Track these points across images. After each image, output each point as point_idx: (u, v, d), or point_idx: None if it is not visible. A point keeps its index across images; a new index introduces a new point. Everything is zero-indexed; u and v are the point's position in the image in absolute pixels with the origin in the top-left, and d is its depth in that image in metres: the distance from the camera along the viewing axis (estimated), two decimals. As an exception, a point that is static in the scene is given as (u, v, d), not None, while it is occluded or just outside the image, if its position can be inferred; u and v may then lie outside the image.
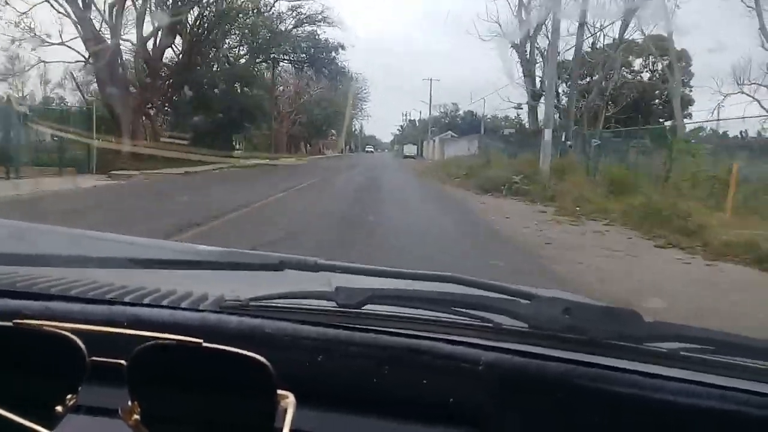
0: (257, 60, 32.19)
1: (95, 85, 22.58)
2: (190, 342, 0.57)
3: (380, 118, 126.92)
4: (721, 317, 3.93)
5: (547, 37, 26.13)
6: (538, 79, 27.71)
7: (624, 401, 0.69)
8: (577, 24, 22.35)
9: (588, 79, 26.70)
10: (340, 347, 0.74)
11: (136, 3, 21.67)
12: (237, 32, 29.49)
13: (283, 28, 31.45)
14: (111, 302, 0.80)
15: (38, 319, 0.60)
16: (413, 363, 0.73)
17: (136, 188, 13.31)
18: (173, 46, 25.01)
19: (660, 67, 30.78)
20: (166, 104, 25.95)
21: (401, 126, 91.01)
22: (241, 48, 31.27)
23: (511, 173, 16.64)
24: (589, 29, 23.02)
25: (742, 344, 0.77)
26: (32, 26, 21.58)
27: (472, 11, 64.90)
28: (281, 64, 36.24)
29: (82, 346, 0.57)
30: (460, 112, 67.52)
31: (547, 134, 16.04)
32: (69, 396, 0.57)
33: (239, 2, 26.76)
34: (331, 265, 0.90)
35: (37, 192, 10.88)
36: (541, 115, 30.07)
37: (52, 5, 20.21)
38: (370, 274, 0.92)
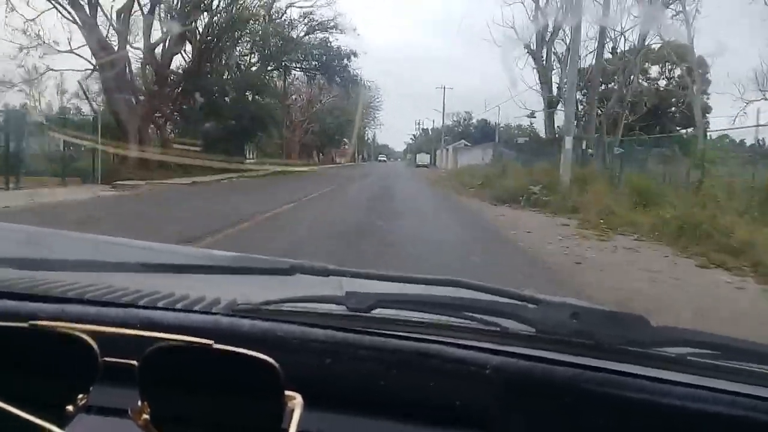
0: (269, 68, 31.81)
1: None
2: (201, 343, 0.57)
3: (393, 127, 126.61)
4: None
5: (565, 43, 25.60)
6: (554, 86, 27.11)
7: (631, 406, 0.69)
8: (594, 28, 21.72)
9: (603, 86, 25.93)
10: (349, 350, 0.75)
11: (144, 9, 21.29)
12: (248, 39, 29.15)
13: (294, 36, 31.11)
14: (125, 305, 0.81)
15: (54, 321, 0.62)
16: (421, 366, 0.74)
17: (138, 200, 12.79)
18: (183, 53, 24.65)
19: (677, 74, 30.07)
20: (175, 112, 25.54)
21: (414, 135, 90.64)
22: (253, 55, 30.91)
23: (529, 183, 15.94)
24: (609, 34, 22.30)
25: (748, 349, 0.77)
26: (40, 33, 21.30)
27: (486, 18, 64.50)
28: (293, 71, 35.91)
29: (95, 346, 0.58)
30: (474, 121, 66.91)
31: (568, 142, 15.32)
32: (80, 396, 0.58)
33: (250, 9, 26.37)
34: (342, 270, 0.90)
35: (30, 204, 10.35)
36: (558, 123, 29.57)
37: (59, 11, 19.91)
38: (379, 279, 0.91)
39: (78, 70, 22.82)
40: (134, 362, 0.58)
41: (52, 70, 24.48)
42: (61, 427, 0.54)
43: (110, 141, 19.68)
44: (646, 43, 23.17)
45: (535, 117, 35.56)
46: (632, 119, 26.93)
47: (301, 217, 10.39)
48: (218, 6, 24.56)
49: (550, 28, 25.56)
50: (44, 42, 21.64)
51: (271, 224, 8.71)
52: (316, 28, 31.44)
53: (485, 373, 0.72)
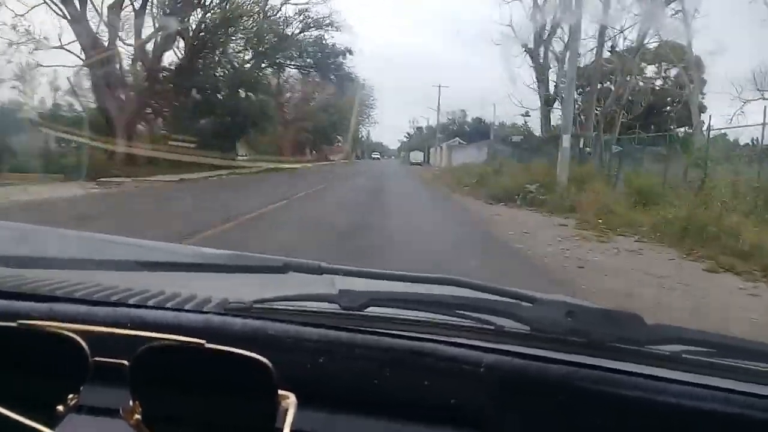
0: (262, 65, 31.36)
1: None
2: (193, 343, 0.57)
3: (387, 125, 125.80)
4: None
5: (562, 41, 25.28)
6: (551, 84, 26.80)
7: (626, 404, 0.69)
8: (592, 26, 21.40)
9: (600, 85, 25.57)
10: (342, 349, 0.74)
11: (135, 4, 20.82)
12: (242, 36, 28.69)
13: (289, 33, 30.67)
14: (115, 304, 0.81)
15: (43, 321, 0.61)
16: (415, 365, 0.73)
17: (119, 198, 12.36)
18: (175, 49, 24.17)
19: (673, 73, 29.81)
20: (166, 109, 25.05)
21: (408, 133, 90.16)
22: (246, 52, 30.44)
23: (525, 182, 15.62)
24: (608, 33, 21.97)
25: (743, 347, 0.77)
26: (30, 29, 20.78)
27: (483, 16, 64.20)
28: (287, 69, 35.48)
29: (85, 346, 0.58)
30: (468, 119, 66.52)
31: (566, 140, 14.97)
32: (71, 396, 0.58)
33: (244, 6, 25.91)
34: (334, 268, 0.89)
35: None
36: (554, 122, 29.25)
37: (49, 6, 19.41)
38: (372, 277, 0.90)
39: (69, 66, 22.31)
40: (125, 362, 0.57)
41: (41, 66, 24.07)
42: (51, 427, 0.54)
43: (99, 137, 19.28)
44: (645, 42, 22.86)
45: (529, 116, 35.34)
46: (629, 118, 26.69)
47: (288, 217, 10.02)
48: (211, 2, 24.13)
49: (548, 27, 25.22)
50: (34, 38, 21.21)
51: (256, 225, 8.32)
52: (311, 25, 31.04)
53: (480, 372, 0.72)
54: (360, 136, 77.62)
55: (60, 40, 21.14)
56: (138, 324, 0.74)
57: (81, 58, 19.92)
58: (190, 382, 0.58)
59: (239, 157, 32.41)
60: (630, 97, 25.26)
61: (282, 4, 29.03)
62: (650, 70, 31.41)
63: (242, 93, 28.86)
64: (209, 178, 19.84)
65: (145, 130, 24.12)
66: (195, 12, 23.57)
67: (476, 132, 53.42)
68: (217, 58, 26.89)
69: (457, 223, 10.80)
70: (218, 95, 26.32)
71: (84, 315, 0.76)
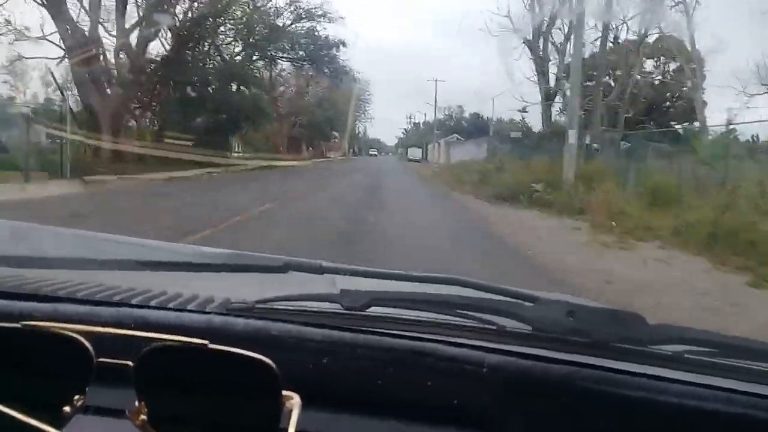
0: (253, 57, 30.45)
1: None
2: (196, 343, 0.57)
3: (384, 121, 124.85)
4: None
5: (562, 32, 24.48)
6: (552, 77, 26.03)
7: (629, 404, 0.69)
8: (593, 17, 20.61)
9: (602, 78, 24.81)
10: (344, 349, 0.74)
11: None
12: (231, 27, 27.80)
13: (280, 24, 29.75)
14: (118, 304, 0.81)
15: (46, 321, 0.62)
16: (417, 365, 0.73)
17: (101, 198, 11.51)
18: (162, 40, 23.27)
19: (672, 68, 29.17)
20: (153, 103, 24.16)
21: (405, 129, 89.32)
22: (236, 44, 29.54)
23: (529, 180, 14.85)
24: (611, 23, 21.18)
25: (745, 347, 0.77)
26: (9, 19, 19.86)
27: (481, 8, 63.37)
28: (280, 62, 34.57)
29: (90, 347, 0.58)
30: (466, 115, 65.74)
31: (572, 136, 14.19)
32: (77, 396, 0.58)
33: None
34: (336, 267, 0.90)
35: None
36: (554, 117, 28.50)
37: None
38: (374, 277, 0.90)
39: (51, 58, 21.40)
40: (129, 363, 0.58)
41: (24, 57, 23.16)
42: (58, 427, 0.55)
43: (85, 133, 18.44)
44: (648, 34, 22.10)
45: (527, 112, 34.65)
46: (633, 113, 25.97)
47: (279, 219, 9.22)
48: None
49: (548, 17, 24.39)
50: (15, 28, 20.30)
51: (242, 231, 7.49)
52: (303, 16, 30.10)
53: (482, 372, 0.72)
54: (357, 132, 76.93)
55: (42, 30, 20.31)
56: (141, 324, 0.74)
57: (63, 49, 19.04)
58: (195, 382, 0.58)
59: (232, 154, 31.59)
60: (634, 91, 24.56)
61: (272, -6, 28.18)
62: (650, 64, 30.76)
63: (234, 87, 28.02)
64: (200, 176, 19.00)
65: (134, 126, 23.27)
66: (181, 1, 22.70)
67: (474, 128, 52.78)
68: (206, 50, 26.00)
69: (462, 227, 10.01)
70: (208, 89, 25.46)
71: (87, 315, 0.76)
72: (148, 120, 25.39)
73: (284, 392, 0.57)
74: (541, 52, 25.94)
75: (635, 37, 23.19)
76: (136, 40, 20.65)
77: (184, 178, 17.26)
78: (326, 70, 33.36)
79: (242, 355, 0.56)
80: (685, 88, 27.95)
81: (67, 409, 0.57)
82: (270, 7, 28.64)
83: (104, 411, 0.66)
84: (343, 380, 0.73)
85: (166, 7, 20.90)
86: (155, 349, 0.57)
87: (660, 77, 30.08)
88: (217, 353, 0.57)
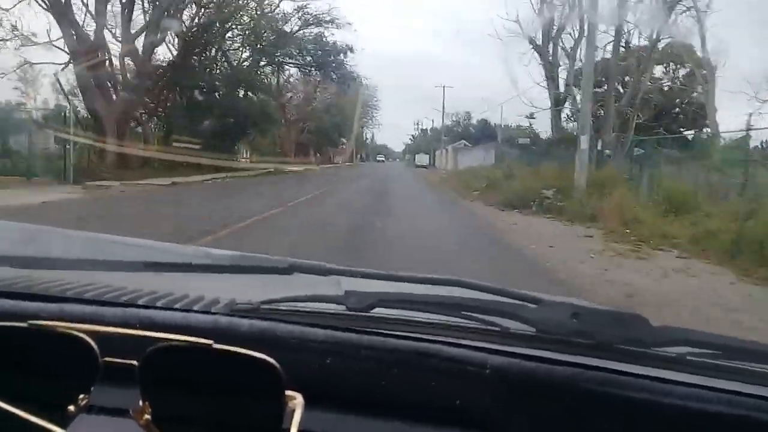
0: (261, 63, 30.33)
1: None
2: (201, 343, 0.57)
3: (392, 127, 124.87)
4: None
5: (572, 36, 24.12)
6: (561, 82, 25.66)
7: (632, 406, 0.69)
8: (602, 22, 20.24)
9: (615, 83, 24.44)
10: (348, 350, 0.74)
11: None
12: (239, 33, 27.69)
13: (288, 30, 29.62)
14: (124, 305, 0.81)
15: (53, 321, 0.62)
16: (421, 366, 0.73)
17: (100, 204, 11.24)
18: (169, 45, 23.14)
19: (681, 74, 28.75)
20: (160, 108, 24.00)
21: (413, 135, 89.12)
22: (244, 50, 29.43)
23: (540, 186, 14.51)
24: (623, 27, 20.81)
25: (749, 349, 0.77)
26: (16, 24, 19.74)
27: (489, 14, 63.19)
28: (288, 68, 34.44)
29: (95, 346, 0.58)
30: (473, 121, 65.44)
31: (584, 141, 13.84)
32: (81, 396, 0.58)
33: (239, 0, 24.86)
34: (341, 269, 0.90)
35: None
36: (563, 123, 28.10)
37: (32, -2, 18.37)
38: (378, 278, 0.90)
39: (57, 64, 21.28)
40: (134, 362, 0.58)
41: (30, 63, 23.08)
42: (62, 427, 0.55)
43: (90, 138, 18.28)
44: (660, 39, 21.70)
45: (534, 118, 34.32)
46: (644, 119, 25.57)
47: (281, 227, 8.94)
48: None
49: (557, 21, 24.04)
50: (22, 34, 20.19)
51: (239, 240, 7.19)
52: (311, 22, 29.96)
53: (485, 373, 0.72)
54: (364, 138, 76.81)
55: (49, 36, 20.19)
56: (147, 324, 0.74)
57: (68, 54, 18.89)
58: (199, 382, 0.58)
59: (240, 159, 31.42)
60: (645, 96, 24.15)
61: (280, 0, 28.00)
62: (659, 69, 30.30)
63: (241, 92, 27.88)
64: (204, 181, 18.80)
65: (141, 131, 23.12)
66: (189, 6, 22.57)
67: (482, 134, 52.50)
68: (213, 55, 25.86)
69: (472, 234, 9.70)
70: (215, 94, 25.34)
71: (94, 315, 0.76)
72: (154, 125, 25.24)
73: (287, 392, 0.57)
74: (550, 57, 25.58)
75: (646, 43, 22.86)
76: (142, 46, 20.50)
77: (188, 184, 17.05)
78: (334, 76, 33.20)
79: (246, 355, 0.57)
80: (695, 94, 27.56)
81: (71, 408, 0.57)
82: (278, 13, 28.52)
83: (108, 410, 0.66)
84: (346, 381, 0.73)
85: (172, 12, 20.74)
86: (160, 348, 0.57)
87: (670, 83, 29.67)
88: (222, 353, 0.57)
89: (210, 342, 0.57)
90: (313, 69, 33.05)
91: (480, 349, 0.74)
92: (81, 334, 0.58)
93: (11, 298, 0.80)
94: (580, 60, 23.71)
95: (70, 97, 20.85)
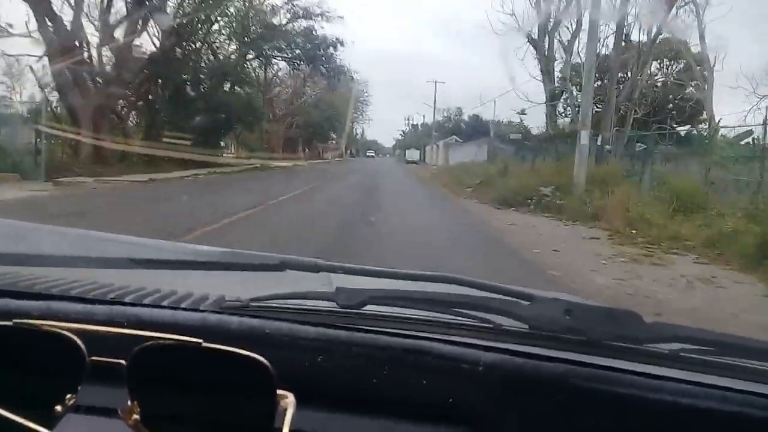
0: (248, 56, 29.42)
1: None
2: (190, 342, 0.57)
3: (382, 123, 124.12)
4: None
5: (569, 30, 23.45)
6: (557, 77, 25.00)
7: (623, 402, 0.69)
8: (602, 16, 19.54)
9: (616, 77, 23.83)
10: (340, 347, 0.74)
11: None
12: (225, 25, 26.78)
13: (276, 22, 28.72)
14: (111, 302, 0.80)
15: (39, 319, 0.61)
16: (413, 363, 0.73)
17: (61, 203, 10.31)
18: (150, 35, 22.19)
19: (676, 69, 28.28)
20: (140, 101, 23.07)
21: (403, 131, 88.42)
22: (230, 42, 28.49)
23: (536, 183, 13.84)
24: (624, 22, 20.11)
25: (741, 345, 0.77)
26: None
27: (481, 8, 62.60)
28: (276, 61, 33.55)
29: (82, 345, 0.57)
30: (464, 117, 64.81)
31: (584, 136, 13.15)
32: (68, 395, 0.57)
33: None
34: (332, 265, 0.89)
35: None
36: (558, 118, 27.43)
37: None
38: (370, 275, 0.89)
39: (33, 56, 20.30)
40: (122, 361, 0.57)
41: (6, 55, 22.11)
42: (49, 427, 0.54)
43: (66, 132, 17.41)
44: (661, 32, 21.07)
45: (525, 114, 33.76)
46: (641, 114, 25.00)
47: (260, 225, 8.18)
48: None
49: (554, 14, 23.35)
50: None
51: (208, 245, 6.43)
52: (300, 14, 29.09)
53: (478, 370, 0.71)
54: (354, 133, 76.02)
55: (27, 27, 19.21)
56: (134, 323, 0.73)
57: (43, 43, 17.94)
58: (188, 381, 0.57)
59: (225, 155, 30.53)
60: (644, 91, 23.56)
61: (268, -9, 27.14)
62: (653, 65, 29.82)
63: (227, 86, 26.99)
64: (184, 177, 17.94)
65: (119, 125, 22.17)
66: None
67: (473, 130, 51.95)
68: (197, 47, 24.93)
69: (467, 235, 8.97)
70: (200, 87, 24.44)
71: (80, 313, 0.75)
72: (134, 120, 24.33)
73: (279, 391, 0.56)
74: (546, 51, 24.93)
75: (645, 37, 22.27)
76: (122, 36, 19.57)
77: (167, 180, 16.19)
78: (323, 70, 32.39)
79: (237, 353, 0.56)
80: (689, 89, 27.11)
81: (58, 408, 0.56)
82: (266, 6, 27.64)
83: (96, 410, 0.65)
84: (338, 379, 0.72)
85: (154, 0, 19.83)
86: (148, 347, 0.56)
87: (668, 78, 29.16)
88: (211, 352, 0.56)
89: (199, 341, 0.56)
90: (302, 62, 32.18)
91: (473, 346, 0.73)
92: (67, 333, 0.57)
93: None
94: (578, 53, 23.18)
95: (46, 89, 19.93)
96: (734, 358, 0.74)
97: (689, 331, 0.76)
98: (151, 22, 20.83)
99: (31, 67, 18.50)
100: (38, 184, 13.36)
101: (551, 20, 23.65)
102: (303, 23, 29.44)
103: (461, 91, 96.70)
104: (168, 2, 21.83)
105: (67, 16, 17.84)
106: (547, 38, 24.57)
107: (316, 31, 29.57)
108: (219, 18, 25.32)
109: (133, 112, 23.90)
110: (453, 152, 45.22)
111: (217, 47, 27.94)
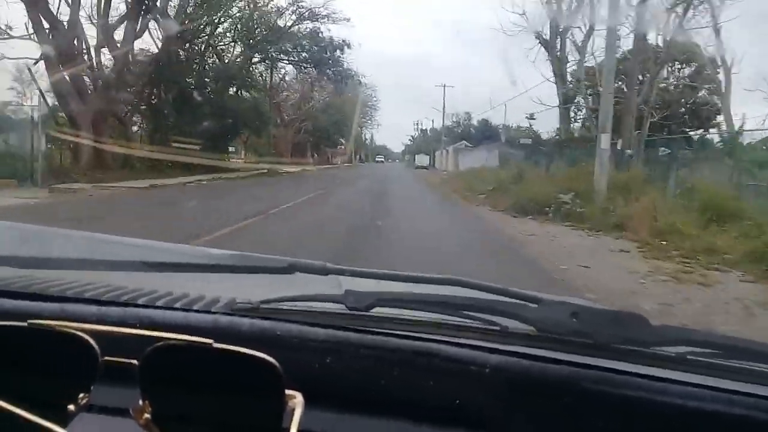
0: (254, 59, 28.90)
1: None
2: (201, 342, 0.57)
3: (391, 128, 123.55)
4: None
5: (582, 30, 22.72)
6: (569, 79, 24.30)
7: (631, 405, 0.68)
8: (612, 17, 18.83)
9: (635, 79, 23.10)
10: (348, 349, 0.74)
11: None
12: (229, 27, 26.26)
13: (282, 24, 28.20)
14: (125, 304, 0.81)
15: (53, 320, 0.61)
16: (421, 365, 0.73)
17: (52, 211, 9.73)
18: (152, 37, 21.68)
19: (687, 73, 27.53)
20: (143, 105, 22.54)
21: (413, 136, 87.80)
22: (235, 45, 27.99)
23: (554, 190, 13.10)
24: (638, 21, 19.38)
25: (748, 348, 0.75)
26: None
27: (490, 11, 62.01)
28: (281, 64, 33.01)
29: (95, 345, 0.58)
30: (474, 122, 64.12)
31: (604, 140, 12.42)
32: (81, 395, 0.58)
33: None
34: (340, 268, 0.89)
35: None
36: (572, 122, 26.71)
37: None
38: (378, 278, 0.89)
39: (30, 58, 19.81)
40: (134, 361, 0.57)
41: (6, 58, 21.71)
42: (63, 426, 0.55)
43: (66, 137, 16.92)
44: (680, 33, 20.31)
45: (535, 119, 33.09)
46: (657, 118, 24.25)
47: (260, 235, 7.54)
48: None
49: (566, 13, 22.63)
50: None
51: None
52: (306, 17, 28.54)
53: (485, 372, 0.71)
54: (363, 138, 75.53)
55: (27, 29, 18.74)
56: (147, 324, 0.73)
57: (40, 45, 17.44)
58: (199, 381, 0.57)
59: (233, 160, 30.00)
60: (659, 94, 22.80)
61: (273, -7, 26.61)
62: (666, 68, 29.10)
63: (233, 89, 26.48)
64: (187, 184, 17.34)
65: (122, 130, 21.66)
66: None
67: (482, 135, 51.33)
68: (201, 50, 24.39)
69: (483, 247, 8.27)
70: (205, 91, 23.91)
71: (94, 315, 0.76)
72: (138, 124, 23.81)
73: (287, 391, 0.56)
74: (558, 53, 24.22)
75: (662, 39, 21.55)
76: (122, 37, 19.04)
77: (167, 187, 15.57)
78: (330, 73, 31.79)
79: (246, 354, 0.56)
80: (701, 93, 26.39)
81: (71, 407, 0.57)
82: (271, 8, 27.11)
83: (108, 410, 0.65)
84: (346, 380, 0.73)
85: (155, 1, 19.30)
86: (160, 348, 0.57)
87: (685, 81, 28.42)
88: (222, 352, 0.57)
89: (210, 341, 0.56)
90: (308, 66, 31.62)
91: (480, 348, 0.73)
92: (81, 334, 0.58)
93: (11, 298, 0.79)
94: (592, 54, 22.46)
95: (45, 93, 19.43)
96: (741, 361, 0.73)
97: (696, 334, 0.75)
98: (154, 25, 20.33)
99: (30, 70, 17.94)
100: (32, 190, 12.82)
101: (563, 19, 22.95)
102: (309, 25, 28.97)
103: (470, 96, 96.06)
104: (170, 4, 21.34)
105: (65, 17, 17.39)
106: (559, 39, 23.91)
107: (322, 33, 29.08)
108: (223, 20, 24.80)
109: (137, 117, 23.36)
110: (463, 157, 44.53)
111: (221, 50, 27.45)
